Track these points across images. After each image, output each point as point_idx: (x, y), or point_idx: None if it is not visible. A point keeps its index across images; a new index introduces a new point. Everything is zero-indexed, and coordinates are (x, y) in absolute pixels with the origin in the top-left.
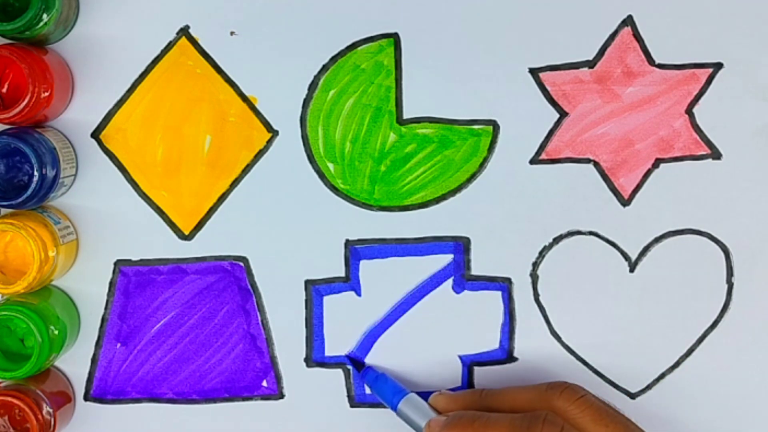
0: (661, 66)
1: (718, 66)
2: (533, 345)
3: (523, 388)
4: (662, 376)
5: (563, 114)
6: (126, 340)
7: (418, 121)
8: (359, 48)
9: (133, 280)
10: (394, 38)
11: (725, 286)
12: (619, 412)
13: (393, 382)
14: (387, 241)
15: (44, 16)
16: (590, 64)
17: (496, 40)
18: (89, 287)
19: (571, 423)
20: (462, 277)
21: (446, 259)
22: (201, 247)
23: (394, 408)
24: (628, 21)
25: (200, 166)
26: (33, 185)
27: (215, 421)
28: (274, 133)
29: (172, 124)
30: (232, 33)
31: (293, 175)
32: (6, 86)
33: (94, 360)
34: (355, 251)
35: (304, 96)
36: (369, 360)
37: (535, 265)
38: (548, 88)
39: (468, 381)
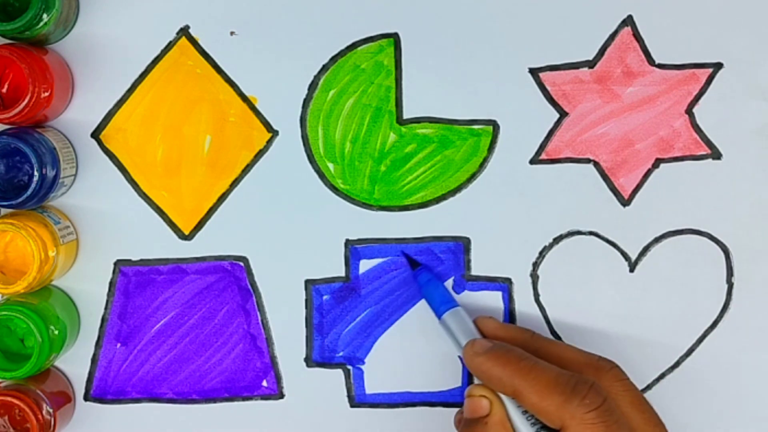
0: (661, 66)
1: (718, 66)
2: None
3: (575, 349)
4: (662, 376)
5: (563, 114)
6: (126, 340)
7: (418, 121)
8: (359, 48)
9: (133, 280)
10: (394, 38)
11: (725, 286)
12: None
13: (444, 289)
14: (387, 241)
15: (44, 16)
16: (590, 64)
17: (496, 40)
18: (89, 287)
19: (611, 399)
20: (462, 277)
21: (446, 259)
22: (201, 247)
23: (439, 316)
24: (628, 21)
25: (200, 166)
26: (33, 185)
27: (215, 421)
28: (274, 133)
29: (172, 124)
30: (232, 33)
31: (293, 175)
32: (6, 86)
33: (94, 360)
34: (355, 251)
35: (304, 96)
36: (369, 360)
37: (535, 265)
38: (548, 88)
39: (468, 381)
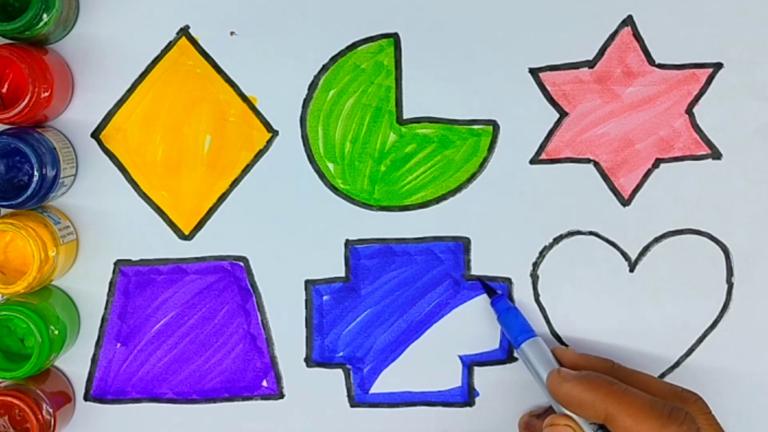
0: (661, 66)
1: (718, 66)
2: None
3: (658, 380)
4: (662, 376)
5: (563, 114)
6: (126, 340)
7: (418, 121)
8: (359, 48)
9: (133, 280)
10: (394, 38)
11: (725, 286)
12: None
13: (523, 319)
14: (387, 241)
15: (44, 16)
16: (590, 64)
17: (496, 40)
18: (89, 287)
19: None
20: (462, 277)
21: (446, 259)
22: (201, 247)
23: (517, 346)
24: (628, 21)
25: (200, 166)
26: (33, 185)
27: (215, 421)
28: (274, 133)
29: (172, 124)
30: (232, 33)
31: (293, 175)
32: (6, 86)
33: (94, 360)
34: (355, 251)
35: (304, 96)
36: (369, 360)
37: (535, 265)
38: (548, 88)
39: (468, 381)
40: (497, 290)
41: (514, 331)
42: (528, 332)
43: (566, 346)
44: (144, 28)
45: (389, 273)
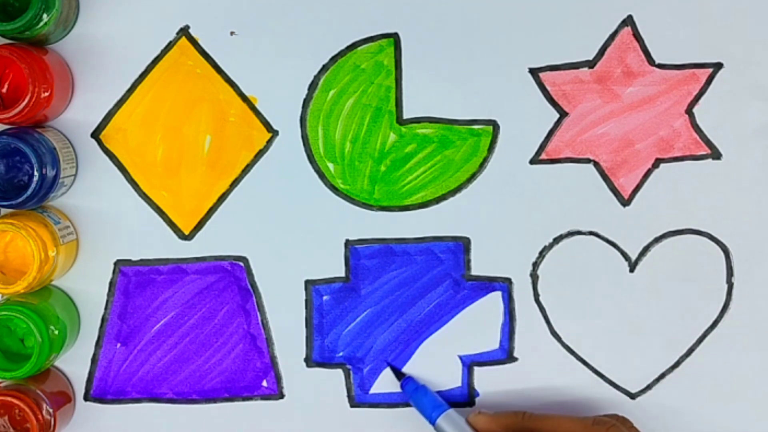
0: (661, 66)
1: (718, 66)
2: (533, 345)
3: (568, 418)
4: (662, 376)
5: (563, 114)
6: (126, 340)
7: (418, 121)
8: (359, 48)
9: (133, 280)
10: (394, 38)
11: (725, 286)
12: None
13: (433, 395)
14: (387, 241)
15: (44, 16)
16: (590, 64)
17: (496, 40)
18: (89, 287)
19: None
20: (462, 277)
21: (446, 259)
22: (201, 247)
23: (432, 423)
24: (628, 21)
25: (200, 166)
26: (33, 185)
27: (215, 421)
28: (274, 133)
29: (172, 124)
30: (232, 33)
31: (293, 175)
32: (6, 86)
33: (94, 360)
34: (355, 251)
35: (304, 96)
36: (369, 360)
37: (535, 265)
38: (548, 88)
39: (468, 381)
40: (404, 372)
41: (428, 409)
42: (439, 407)
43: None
44: (144, 28)
45: (389, 273)
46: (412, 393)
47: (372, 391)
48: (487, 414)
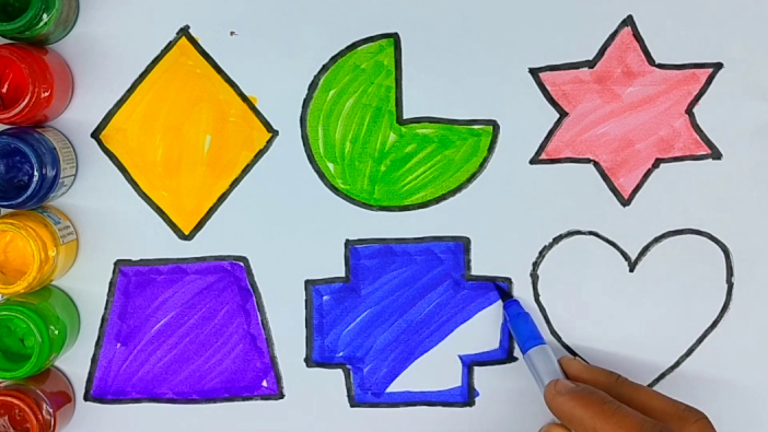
0: (661, 66)
1: (718, 66)
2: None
3: (661, 396)
4: (662, 376)
5: (563, 114)
6: (126, 340)
7: (418, 121)
8: (359, 48)
9: (133, 280)
10: (394, 38)
11: (725, 286)
12: None
13: (533, 325)
14: (387, 241)
15: (44, 16)
16: (590, 64)
17: (496, 40)
18: (89, 287)
19: None
20: (462, 277)
21: (446, 259)
22: (201, 247)
23: (524, 352)
24: (628, 21)
25: (200, 166)
26: (33, 185)
27: (215, 421)
28: (274, 133)
29: (172, 124)
30: (232, 33)
31: (293, 175)
32: (6, 86)
33: (94, 360)
34: (355, 251)
35: (304, 96)
36: (369, 360)
37: (535, 265)
38: (548, 88)
39: (468, 381)
40: (510, 293)
41: (523, 337)
42: (536, 339)
43: (574, 353)
44: (144, 28)
45: (389, 273)
46: (513, 317)
47: (372, 391)
48: (582, 363)
